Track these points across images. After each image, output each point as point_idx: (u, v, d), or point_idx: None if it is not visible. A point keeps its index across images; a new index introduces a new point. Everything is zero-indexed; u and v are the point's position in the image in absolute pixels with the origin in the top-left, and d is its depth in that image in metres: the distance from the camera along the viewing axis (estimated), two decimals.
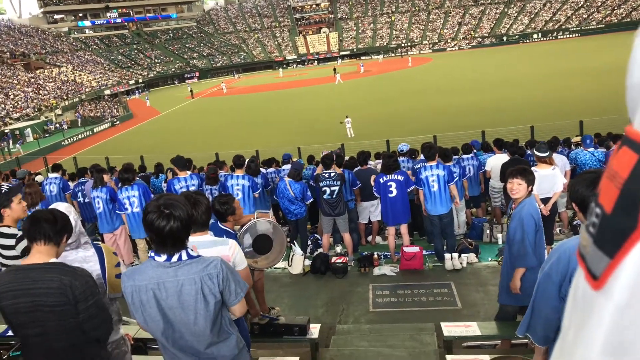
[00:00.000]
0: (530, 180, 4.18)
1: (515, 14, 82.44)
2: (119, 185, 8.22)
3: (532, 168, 7.03)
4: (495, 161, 8.96)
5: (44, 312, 2.56)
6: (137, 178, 8.56)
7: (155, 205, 2.44)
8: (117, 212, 8.03)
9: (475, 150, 10.01)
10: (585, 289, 0.50)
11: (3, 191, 3.97)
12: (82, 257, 3.13)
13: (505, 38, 78.27)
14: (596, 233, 0.49)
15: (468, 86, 36.62)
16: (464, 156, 9.39)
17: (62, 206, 3.16)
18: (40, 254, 2.63)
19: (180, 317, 2.51)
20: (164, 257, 2.49)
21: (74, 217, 3.14)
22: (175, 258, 2.48)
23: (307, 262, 7.99)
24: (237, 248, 3.25)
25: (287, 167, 10.07)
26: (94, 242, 3.29)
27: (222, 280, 2.50)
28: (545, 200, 7.03)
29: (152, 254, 2.54)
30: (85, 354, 2.74)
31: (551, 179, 6.91)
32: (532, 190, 4.23)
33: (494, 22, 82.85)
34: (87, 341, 2.75)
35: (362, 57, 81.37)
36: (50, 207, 3.17)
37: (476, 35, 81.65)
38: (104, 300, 2.93)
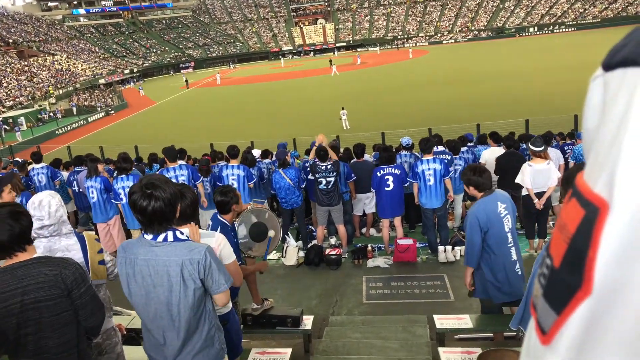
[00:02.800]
0: (469, 181, 4.41)
1: (512, 7, 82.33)
2: (115, 174, 8.19)
3: (527, 162, 7.07)
4: (490, 154, 8.95)
5: (36, 309, 2.50)
6: (134, 168, 8.53)
7: (139, 186, 2.49)
8: (112, 201, 8.00)
9: (469, 144, 10.02)
10: (535, 342, 0.49)
11: None
12: (64, 246, 3.14)
13: (501, 31, 78.20)
14: (545, 285, 0.48)
15: (464, 79, 36.59)
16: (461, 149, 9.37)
17: (44, 194, 3.18)
18: (23, 254, 2.58)
19: (160, 297, 2.56)
20: (150, 235, 2.56)
21: (56, 203, 3.15)
22: (160, 238, 2.54)
23: (301, 253, 8.01)
24: (224, 242, 3.24)
25: None
26: (76, 232, 3.29)
27: (204, 268, 2.52)
28: (539, 195, 7.05)
29: (143, 232, 2.61)
30: (77, 351, 2.68)
31: (546, 173, 6.92)
32: (479, 193, 4.41)
33: (491, 15, 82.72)
34: (80, 337, 2.70)
35: (358, 49, 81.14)
36: (32, 198, 3.16)
37: (473, 28, 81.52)
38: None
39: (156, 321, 2.62)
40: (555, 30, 74.05)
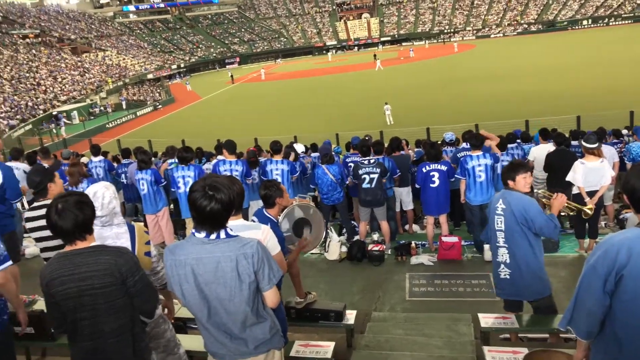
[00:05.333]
0: None
1: (564, 0, 79.62)
2: (172, 165, 8.47)
3: (580, 160, 6.83)
4: (539, 151, 8.72)
5: (93, 295, 2.60)
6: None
7: (201, 185, 2.52)
8: (161, 193, 8.21)
9: (518, 140, 9.79)
10: None
11: (47, 168, 4.30)
12: (115, 233, 3.25)
13: (553, 25, 75.76)
14: None
15: (512, 74, 35.72)
16: (509, 145, 9.16)
17: (99, 185, 3.31)
18: (83, 242, 2.70)
19: (216, 293, 2.58)
20: (203, 233, 2.58)
21: (110, 195, 3.27)
22: (213, 236, 2.57)
23: (344, 248, 8.01)
24: (270, 234, 3.28)
25: None
26: (128, 222, 3.41)
27: (257, 262, 2.56)
28: (591, 194, 6.81)
29: (193, 231, 2.63)
30: (132, 335, 2.78)
31: (599, 171, 6.67)
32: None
33: (542, 8, 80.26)
34: (135, 321, 2.81)
35: (403, 43, 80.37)
36: (87, 189, 3.30)
37: (522, 21, 79.30)
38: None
39: (212, 319, 2.65)
40: (610, 23, 71.14)
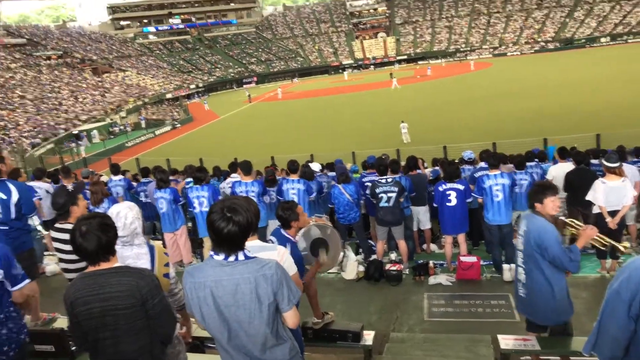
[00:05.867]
0: None
1: (582, 17, 79.33)
2: (190, 184, 8.53)
3: (600, 179, 6.74)
4: (558, 170, 8.63)
5: (115, 316, 2.63)
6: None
7: (220, 207, 2.54)
8: (180, 212, 8.28)
9: (536, 159, 9.70)
10: None
11: (70, 190, 4.35)
12: (135, 253, 3.28)
13: (570, 42, 75.37)
14: None
15: (529, 92, 35.50)
16: (527, 164, 9.08)
17: (123, 205, 3.35)
18: (106, 263, 2.74)
19: (235, 316, 2.58)
20: (221, 256, 2.59)
21: (133, 215, 3.30)
22: (232, 258, 2.57)
23: (361, 268, 7.96)
24: (286, 254, 3.28)
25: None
26: (148, 243, 3.44)
27: (276, 283, 2.55)
28: (612, 213, 6.70)
29: (212, 253, 2.64)
30: (151, 356, 2.80)
31: (620, 191, 6.57)
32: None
33: (559, 26, 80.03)
34: (154, 343, 2.82)
35: (419, 62, 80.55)
36: (111, 209, 3.34)
37: (539, 39, 79.08)
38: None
39: (233, 341, 2.65)
40: (629, 41, 70.58)
